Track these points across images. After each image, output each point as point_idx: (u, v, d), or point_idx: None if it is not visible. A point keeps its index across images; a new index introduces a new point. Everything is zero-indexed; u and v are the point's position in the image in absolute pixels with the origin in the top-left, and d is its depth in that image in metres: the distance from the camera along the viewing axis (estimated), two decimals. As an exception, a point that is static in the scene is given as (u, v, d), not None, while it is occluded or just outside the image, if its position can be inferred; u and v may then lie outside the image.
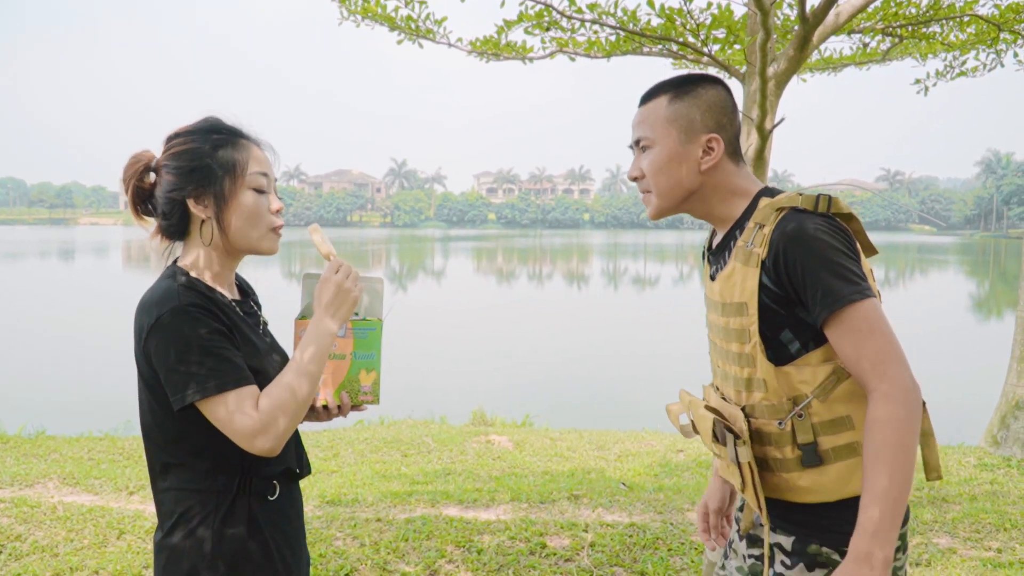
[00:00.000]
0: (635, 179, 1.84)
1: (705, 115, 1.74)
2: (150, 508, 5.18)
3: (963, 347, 15.76)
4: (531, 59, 4.36)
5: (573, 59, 4.30)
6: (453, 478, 6.26)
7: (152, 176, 1.77)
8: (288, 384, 1.67)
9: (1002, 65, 4.30)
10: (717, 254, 1.80)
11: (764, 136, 3.17)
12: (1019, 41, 3.99)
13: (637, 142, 1.82)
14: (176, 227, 1.77)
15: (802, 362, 1.62)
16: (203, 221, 1.75)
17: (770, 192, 1.72)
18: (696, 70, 4.41)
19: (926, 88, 4.51)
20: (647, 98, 1.81)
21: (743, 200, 1.75)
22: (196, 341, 1.61)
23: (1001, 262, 53.11)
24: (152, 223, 1.81)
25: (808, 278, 1.55)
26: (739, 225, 1.73)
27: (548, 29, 4.08)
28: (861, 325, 1.53)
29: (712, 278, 1.81)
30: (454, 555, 4.28)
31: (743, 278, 1.65)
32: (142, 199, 1.78)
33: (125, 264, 47.74)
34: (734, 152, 1.77)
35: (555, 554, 4.32)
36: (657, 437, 8.47)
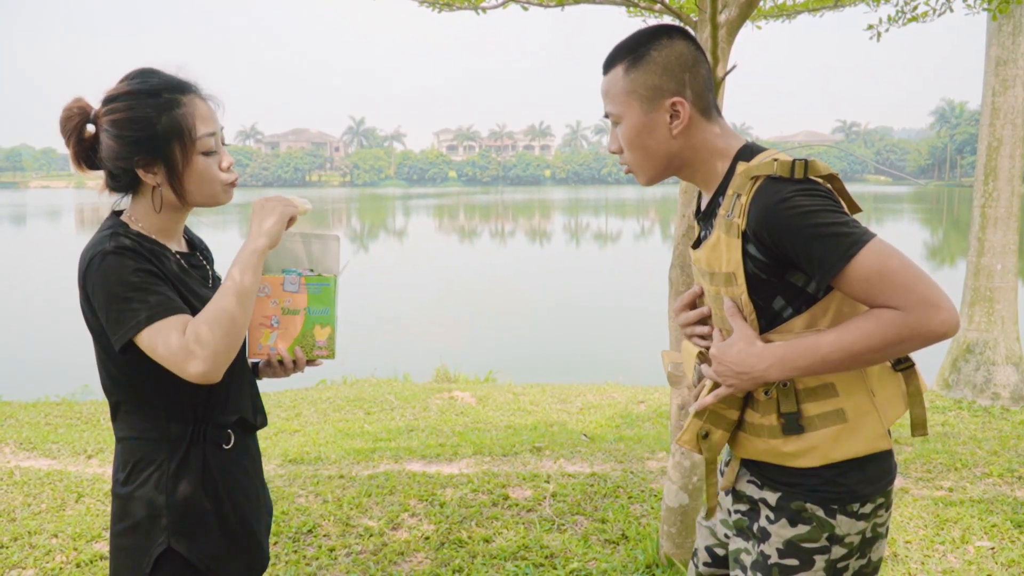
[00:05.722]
0: (615, 152, 1.76)
1: (663, 78, 1.64)
2: (109, 471, 5.14)
3: (917, 294, 16.04)
4: (484, 9, 4.29)
5: (526, 8, 4.23)
6: (416, 434, 6.29)
7: (91, 128, 1.72)
8: (215, 303, 1.64)
9: (951, 10, 4.33)
10: (705, 219, 1.73)
11: (716, 84, 3.16)
12: (969, -14, 4.02)
13: (608, 115, 1.74)
14: (125, 187, 1.75)
15: (784, 328, 1.59)
16: (154, 187, 1.72)
17: (748, 151, 1.65)
18: (651, 18, 4.37)
19: (879, 34, 4.52)
20: (607, 67, 1.71)
21: (723, 161, 1.67)
22: (126, 280, 1.60)
23: (955, 211, 54.05)
24: (96, 175, 1.78)
25: (799, 248, 1.49)
26: (721, 190, 1.66)
27: (500, -23, 4.01)
28: (870, 273, 1.46)
29: (697, 245, 1.76)
30: (416, 508, 4.31)
31: (727, 248, 1.60)
32: (84, 151, 1.73)
33: (78, 228, 46.71)
34: (705, 107, 1.68)
35: (517, 505, 4.38)
36: (619, 389, 8.57)
